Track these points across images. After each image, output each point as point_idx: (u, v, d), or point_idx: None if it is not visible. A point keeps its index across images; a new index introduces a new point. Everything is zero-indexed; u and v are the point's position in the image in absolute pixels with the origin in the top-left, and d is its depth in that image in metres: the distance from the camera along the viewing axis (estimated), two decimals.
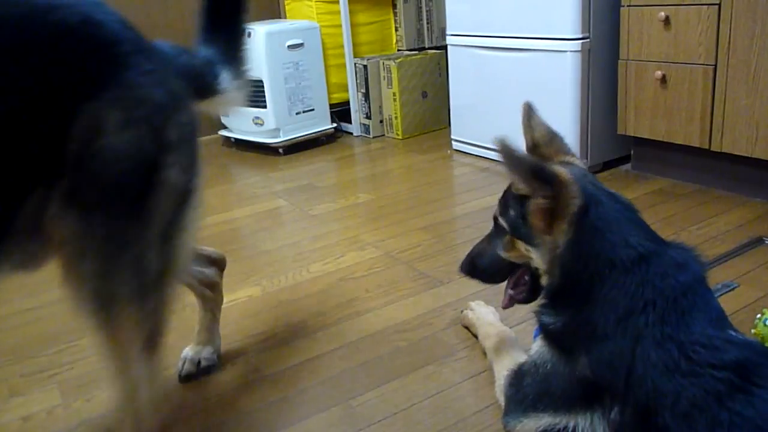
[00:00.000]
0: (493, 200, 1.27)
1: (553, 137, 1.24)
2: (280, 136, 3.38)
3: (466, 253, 1.35)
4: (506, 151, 1.06)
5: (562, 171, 1.09)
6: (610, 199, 1.11)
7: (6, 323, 1.85)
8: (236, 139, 3.62)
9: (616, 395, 1.02)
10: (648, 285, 1.02)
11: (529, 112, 1.25)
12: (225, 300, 1.84)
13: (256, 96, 3.35)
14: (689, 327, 0.99)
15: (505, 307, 1.36)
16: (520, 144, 1.20)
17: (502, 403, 1.27)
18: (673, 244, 1.10)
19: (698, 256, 1.08)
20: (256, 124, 3.39)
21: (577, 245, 1.08)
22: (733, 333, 1.01)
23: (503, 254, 1.24)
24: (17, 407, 1.45)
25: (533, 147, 1.23)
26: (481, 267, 1.32)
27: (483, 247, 1.32)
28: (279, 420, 1.34)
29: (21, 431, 1.37)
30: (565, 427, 1.15)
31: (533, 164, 1.08)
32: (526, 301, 1.31)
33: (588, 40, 2.49)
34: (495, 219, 1.25)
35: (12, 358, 1.65)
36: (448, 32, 3.06)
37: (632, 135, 2.56)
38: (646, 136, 2.50)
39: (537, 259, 1.15)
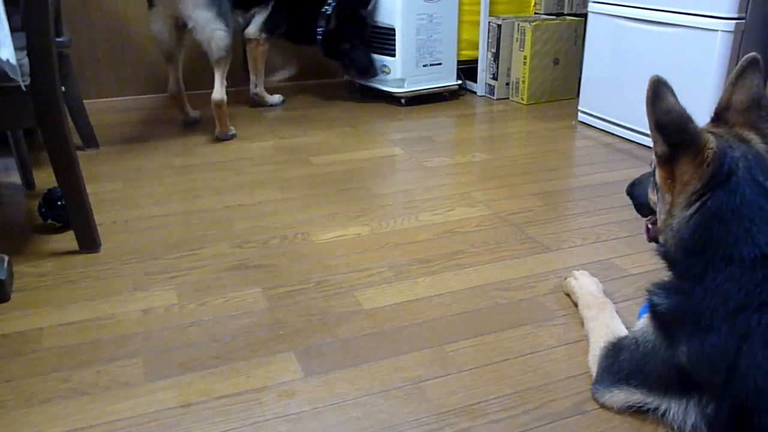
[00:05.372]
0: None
1: (756, 107, 1.08)
2: (404, 87, 3.40)
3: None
4: (653, 87, 1.01)
5: (703, 142, 1.00)
6: (757, 190, 1.00)
7: (136, 225, 2.01)
8: (361, 85, 3.67)
9: (713, 391, 0.99)
10: (767, 287, 0.96)
11: (749, 67, 1.09)
12: (334, 234, 1.92)
13: (387, 44, 3.38)
14: None
15: (649, 238, 1.31)
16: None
17: (593, 373, 1.27)
18: None
19: None
20: (383, 72, 3.43)
21: (696, 227, 1.02)
22: None
23: (649, 193, 1.23)
24: (139, 300, 1.58)
25: (724, 107, 1.10)
26: (635, 194, 1.34)
27: (643, 176, 1.32)
28: (374, 350, 1.39)
29: (140, 321, 1.50)
30: (656, 408, 1.14)
31: (667, 115, 1.01)
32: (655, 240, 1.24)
33: (743, 20, 2.33)
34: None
35: (139, 256, 1.80)
36: None
37: None
38: None
39: (658, 211, 1.13)
